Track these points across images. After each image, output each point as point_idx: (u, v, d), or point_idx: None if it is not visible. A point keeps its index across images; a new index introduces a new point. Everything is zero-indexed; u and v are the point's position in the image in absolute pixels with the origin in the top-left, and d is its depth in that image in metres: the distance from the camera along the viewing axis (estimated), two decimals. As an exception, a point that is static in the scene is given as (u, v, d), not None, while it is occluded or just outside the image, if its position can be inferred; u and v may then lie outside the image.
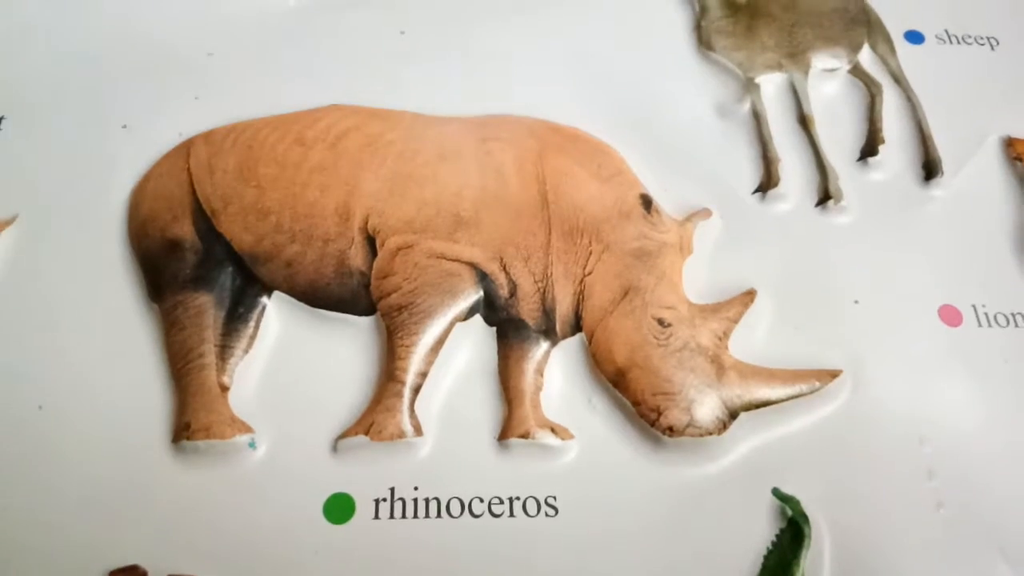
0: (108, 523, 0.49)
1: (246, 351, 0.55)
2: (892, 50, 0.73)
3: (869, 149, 0.67)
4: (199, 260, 0.57)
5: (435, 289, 0.56)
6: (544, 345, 0.57)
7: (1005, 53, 0.75)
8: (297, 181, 0.59)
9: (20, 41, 0.70)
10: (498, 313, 0.57)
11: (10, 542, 0.49)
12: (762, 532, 0.51)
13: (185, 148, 0.62)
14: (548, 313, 0.57)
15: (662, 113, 0.68)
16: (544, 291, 0.57)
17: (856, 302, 0.60)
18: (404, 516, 0.51)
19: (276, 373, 0.55)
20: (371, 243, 0.58)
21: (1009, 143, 0.68)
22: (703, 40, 0.72)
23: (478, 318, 0.57)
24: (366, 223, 0.58)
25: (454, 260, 0.57)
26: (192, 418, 0.52)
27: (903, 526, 0.52)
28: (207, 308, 0.56)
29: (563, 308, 0.57)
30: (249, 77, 0.68)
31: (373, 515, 0.50)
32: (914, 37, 0.75)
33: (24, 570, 0.48)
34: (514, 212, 0.59)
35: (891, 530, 0.52)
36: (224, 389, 0.54)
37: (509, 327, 0.57)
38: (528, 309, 0.57)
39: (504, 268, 0.57)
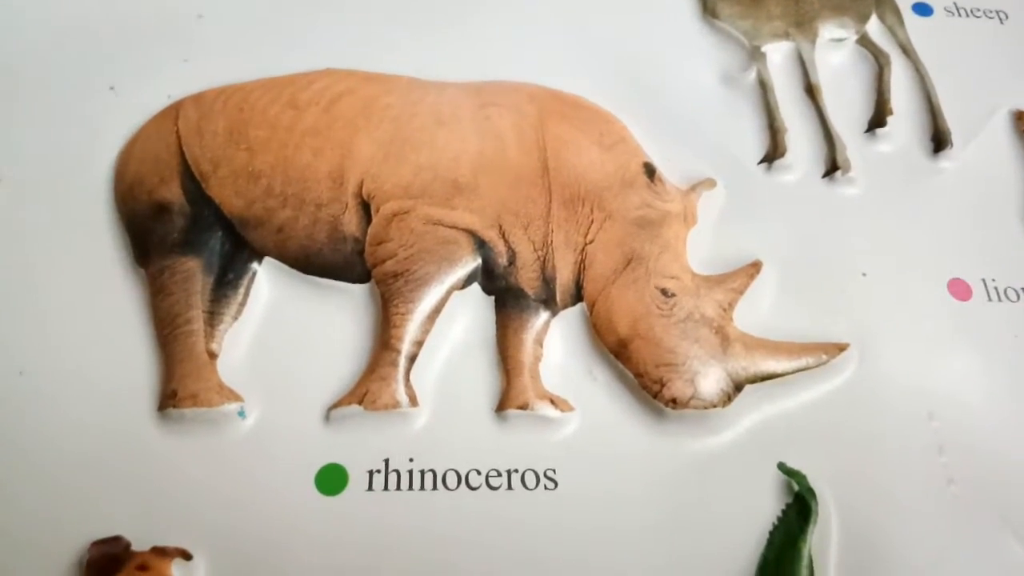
0: (90, 493, 0.47)
1: (235, 318, 0.54)
2: (900, 21, 0.72)
3: (877, 120, 0.65)
4: (187, 224, 0.55)
5: (431, 256, 0.55)
6: (544, 315, 0.55)
7: (1014, 27, 0.74)
8: (289, 144, 0.57)
9: (6, 1, 0.67)
10: (496, 282, 0.55)
11: (-12, 512, 0.47)
12: (767, 507, 0.50)
13: (174, 110, 0.60)
14: (548, 282, 0.55)
15: (666, 81, 0.66)
16: (544, 259, 0.56)
17: (864, 275, 0.58)
18: (399, 488, 0.49)
19: (267, 341, 0.53)
20: (366, 208, 0.56)
21: (1019, 116, 0.67)
22: (708, 8, 0.70)
23: (476, 287, 0.56)
24: (361, 188, 0.56)
25: (451, 227, 0.55)
26: (179, 385, 0.50)
27: (913, 502, 0.51)
28: (195, 273, 0.54)
29: (564, 277, 0.56)
30: (240, 40, 0.66)
31: (367, 486, 0.49)
32: (922, 9, 0.74)
33: (1, 540, 0.46)
34: (513, 178, 0.57)
35: (900, 506, 0.50)
36: (212, 356, 0.52)
37: (508, 296, 0.55)
38: (527, 278, 0.55)
39: (503, 235, 0.56)
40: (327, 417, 0.51)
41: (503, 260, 0.56)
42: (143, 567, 0.44)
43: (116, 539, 0.45)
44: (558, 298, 0.55)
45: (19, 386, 0.51)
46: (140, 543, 0.45)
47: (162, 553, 0.44)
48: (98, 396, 0.50)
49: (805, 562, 0.48)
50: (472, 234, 0.55)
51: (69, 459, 0.48)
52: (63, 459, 0.48)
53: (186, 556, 0.45)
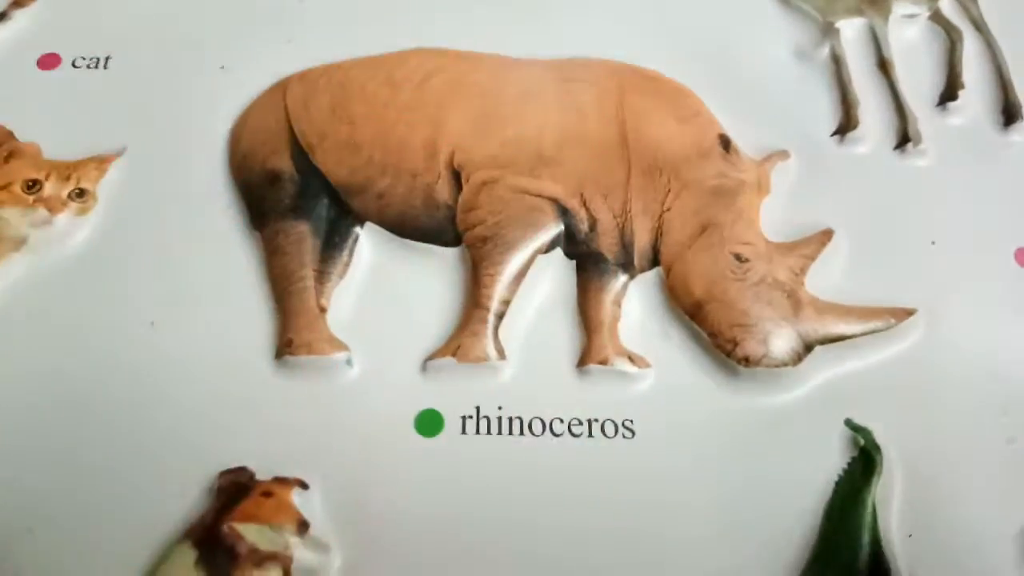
0: (218, 430, 0.53)
1: (341, 277, 0.58)
2: (973, -3, 0.73)
3: (949, 94, 0.67)
4: (297, 191, 0.60)
5: (518, 222, 0.59)
6: (622, 278, 0.59)
7: (1089, 1, 0.74)
8: (387, 118, 0.61)
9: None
10: (578, 247, 0.59)
11: (129, 445, 0.52)
12: (834, 461, 0.52)
13: (282, 87, 0.65)
14: (627, 247, 0.59)
15: (741, 57, 0.69)
16: (623, 226, 0.59)
17: (933, 243, 0.60)
18: (489, 432, 0.53)
19: (369, 298, 0.58)
20: (457, 178, 0.60)
21: (1092, 90, 0.67)
22: (782, -15, 0.73)
23: (559, 251, 0.59)
24: (452, 159, 0.60)
25: (536, 195, 0.59)
26: (295, 335, 0.55)
27: (974, 458, 0.53)
28: (306, 236, 0.59)
29: (641, 243, 0.59)
30: (338, 22, 0.71)
31: (460, 431, 0.53)
32: (995, -15, 0.74)
33: (142, 470, 0.52)
34: (594, 150, 0.60)
35: (961, 461, 0.53)
36: (323, 311, 0.57)
37: (588, 260, 0.59)
38: (607, 243, 0.59)
39: (584, 203, 0.59)
40: (424, 367, 0.55)
41: (584, 226, 0.59)
42: (267, 494, 0.49)
43: (242, 469, 0.50)
44: (636, 262, 0.59)
45: (151, 335, 0.56)
46: (261, 474, 0.51)
47: (283, 482, 0.50)
48: (221, 344, 0.55)
49: (869, 510, 0.50)
50: (556, 202, 0.59)
51: (197, 401, 0.54)
52: (192, 401, 0.54)
53: (303, 486, 0.50)
